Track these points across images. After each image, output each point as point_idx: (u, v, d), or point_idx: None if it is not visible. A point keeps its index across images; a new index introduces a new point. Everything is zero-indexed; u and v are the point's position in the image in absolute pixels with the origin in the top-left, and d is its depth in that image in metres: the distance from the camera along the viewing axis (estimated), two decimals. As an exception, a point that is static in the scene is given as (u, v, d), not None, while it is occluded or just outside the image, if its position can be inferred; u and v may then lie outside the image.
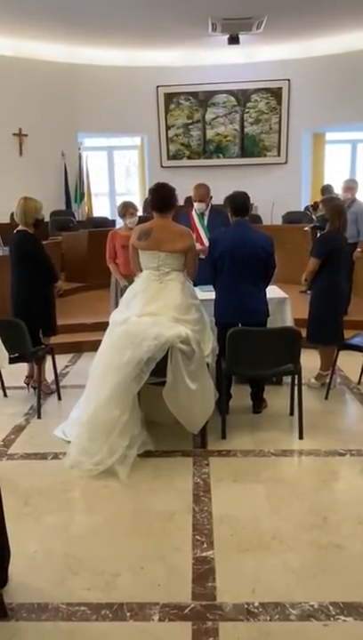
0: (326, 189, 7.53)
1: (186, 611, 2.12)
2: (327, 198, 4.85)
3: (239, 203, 3.83)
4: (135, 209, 5.13)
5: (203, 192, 4.79)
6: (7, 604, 2.14)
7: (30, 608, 2.15)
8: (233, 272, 3.73)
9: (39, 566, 2.41)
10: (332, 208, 4.29)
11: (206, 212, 4.82)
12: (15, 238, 4.24)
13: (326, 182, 9.86)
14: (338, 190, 6.72)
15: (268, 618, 2.08)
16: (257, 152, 10.17)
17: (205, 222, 4.79)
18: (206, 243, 4.52)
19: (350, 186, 6.22)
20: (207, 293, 4.12)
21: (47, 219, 8.57)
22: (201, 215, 4.80)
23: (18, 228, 4.24)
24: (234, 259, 3.71)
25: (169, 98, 10.04)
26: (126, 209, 5.05)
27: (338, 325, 4.33)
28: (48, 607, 2.15)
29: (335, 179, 8.52)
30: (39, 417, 4.01)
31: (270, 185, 9.42)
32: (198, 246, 4.46)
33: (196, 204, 4.78)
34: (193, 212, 4.82)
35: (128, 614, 2.11)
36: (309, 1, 7.10)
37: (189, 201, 5.80)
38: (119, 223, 5.51)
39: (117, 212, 5.23)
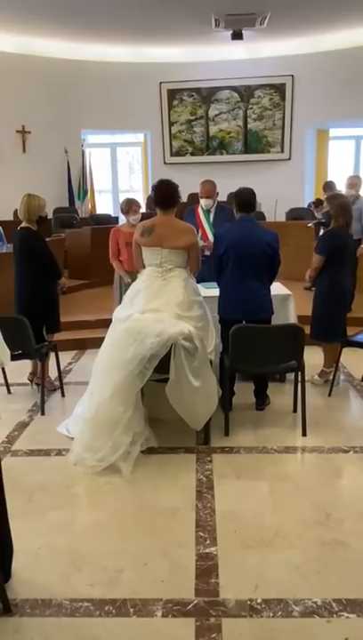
0: (328, 186, 7.50)
1: (189, 607, 2.13)
2: (332, 195, 4.83)
3: (245, 199, 3.82)
4: (138, 206, 5.13)
5: (210, 188, 4.78)
6: (11, 600, 2.15)
7: (34, 604, 2.16)
8: (238, 268, 3.73)
9: (43, 562, 2.42)
10: (337, 205, 4.28)
11: (212, 209, 4.81)
12: (18, 235, 4.25)
13: (329, 179, 9.83)
14: (341, 187, 6.70)
15: (271, 614, 2.08)
16: (261, 148, 10.14)
17: (211, 219, 4.78)
18: (211, 239, 4.51)
19: (354, 182, 6.21)
20: (210, 290, 4.11)
21: (50, 216, 8.58)
22: (207, 212, 4.79)
23: (21, 225, 4.24)
24: (239, 255, 3.71)
25: (172, 94, 10.01)
26: (130, 206, 5.04)
27: (342, 322, 4.32)
28: (52, 603, 2.16)
29: (339, 175, 8.49)
30: (43, 413, 4.02)
31: (273, 181, 9.39)
32: (203, 242, 4.46)
33: (203, 201, 4.77)
34: (199, 209, 4.81)
35: (131, 610, 2.12)
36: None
37: (192, 198, 5.79)
38: (122, 220, 5.50)
39: (120, 209, 5.22)
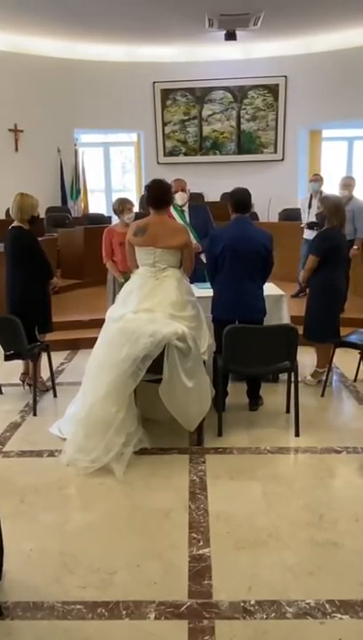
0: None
1: (182, 609, 2.11)
2: (325, 196, 4.85)
3: (240, 199, 3.82)
4: (132, 205, 5.07)
5: (180, 183, 4.73)
6: (2, 603, 2.13)
7: (26, 607, 2.14)
8: (233, 268, 3.73)
9: (35, 564, 2.40)
10: (330, 205, 4.29)
11: (185, 208, 4.77)
12: (10, 234, 4.22)
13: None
14: (334, 188, 6.71)
15: (264, 616, 2.08)
16: (254, 149, 10.14)
17: (187, 219, 4.73)
18: (194, 241, 4.48)
19: (348, 183, 6.23)
20: (203, 291, 4.10)
21: (43, 215, 8.54)
22: (181, 212, 4.73)
23: (13, 224, 4.22)
24: (235, 255, 3.70)
25: (166, 94, 9.99)
26: (123, 205, 4.99)
27: (335, 323, 4.32)
28: (44, 606, 2.14)
29: (332, 176, 8.48)
30: (35, 414, 3.99)
31: (266, 182, 9.39)
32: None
33: (178, 195, 4.63)
34: (171, 210, 4.74)
35: (124, 613, 2.11)
36: (306, -3, 7.09)
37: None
38: (115, 220, 5.45)
39: (113, 209, 5.17)
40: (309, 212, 6.64)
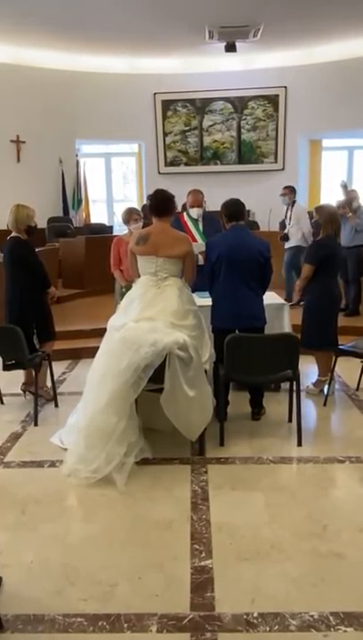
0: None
1: (184, 621, 2.09)
2: (321, 205, 4.88)
3: (233, 208, 3.85)
4: (139, 214, 5.08)
5: (200, 198, 4.81)
6: (2, 616, 2.10)
7: (26, 619, 2.12)
8: (230, 276, 3.72)
9: (35, 576, 2.37)
10: (326, 214, 4.31)
11: (200, 218, 4.81)
12: (8, 245, 4.25)
13: (322, 189, 9.95)
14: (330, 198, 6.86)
15: (267, 628, 2.05)
16: (254, 159, 10.20)
17: (201, 228, 4.76)
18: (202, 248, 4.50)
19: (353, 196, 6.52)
20: (205, 300, 4.10)
21: (44, 225, 8.59)
22: (195, 221, 4.77)
23: (11, 235, 4.25)
24: (231, 263, 3.70)
25: (166, 105, 10.07)
26: (130, 214, 5.01)
27: (332, 330, 4.31)
28: (44, 618, 2.12)
29: (332, 185, 8.52)
30: (36, 424, 3.98)
31: (267, 191, 9.40)
32: (201, 258, 4.42)
33: (194, 210, 4.75)
34: (185, 218, 4.79)
35: (126, 625, 2.08)
36: (305, 9, 7.15)
37: (185, 208, 5.82)
38: (116, 229, 5.48)
39: (121, 219, 5.20)
40: (286, 224, 6.92)
